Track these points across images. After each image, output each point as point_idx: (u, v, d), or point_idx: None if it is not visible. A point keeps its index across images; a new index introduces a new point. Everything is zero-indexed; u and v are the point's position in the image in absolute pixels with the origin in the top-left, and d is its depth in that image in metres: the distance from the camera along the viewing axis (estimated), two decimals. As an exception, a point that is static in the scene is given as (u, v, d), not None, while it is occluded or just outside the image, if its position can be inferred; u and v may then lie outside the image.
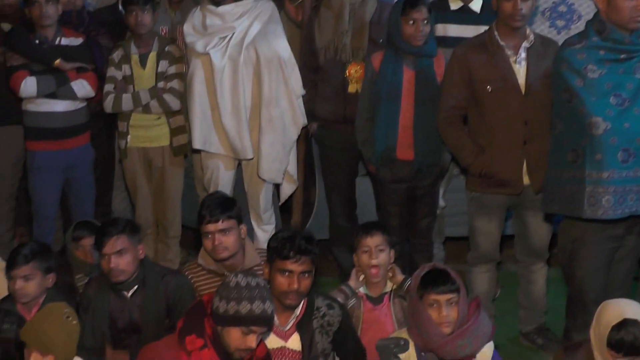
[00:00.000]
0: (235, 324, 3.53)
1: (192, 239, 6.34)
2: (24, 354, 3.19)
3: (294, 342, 4.16)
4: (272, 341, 4.09)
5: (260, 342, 3.74)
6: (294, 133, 5.73)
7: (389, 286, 4.62)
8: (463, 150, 5.12)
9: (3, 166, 6.22)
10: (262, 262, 4.36)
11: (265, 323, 3.58)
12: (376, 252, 4.54)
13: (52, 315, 3.86)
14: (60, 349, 3.81)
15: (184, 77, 5.78)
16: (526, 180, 5.02)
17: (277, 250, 4.04)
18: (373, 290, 4.61)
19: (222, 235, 4.53)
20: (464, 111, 5.15)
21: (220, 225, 4.53)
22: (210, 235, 4.55)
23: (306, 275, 4.05)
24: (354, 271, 4.63)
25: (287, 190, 5.94)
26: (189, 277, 4.71)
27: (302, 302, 4.15)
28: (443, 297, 3.87)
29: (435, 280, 3.90)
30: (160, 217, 6.10)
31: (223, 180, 5.77)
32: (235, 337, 3.54)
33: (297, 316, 4.16)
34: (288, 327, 4.16)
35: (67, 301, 4.34)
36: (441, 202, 5.91)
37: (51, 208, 6.04)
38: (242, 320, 3.52)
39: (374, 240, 4.56)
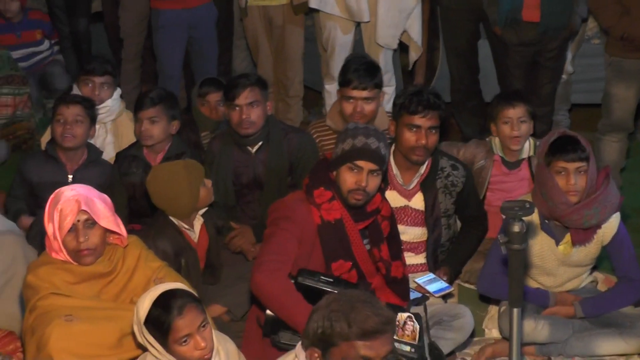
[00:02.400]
0: (349, 159, 3.48)
1: (313, 99, 6.36)
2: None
3: (417, 201, 4.17)
4: (395, 200, 4.10)
5: (386, 202, 3.74)
6: (411, -1, 5.59)
7: (526, 152, 4.53)
8: (606, 10, 4.88)
9: (128, 25, 6.33)
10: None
11: (378, 160, 3.49)
12: (518, 124, 4.42)
13: (178, 173, 3.97)
14: (180, 204, 3.95)
15: None
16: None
17: (404, 105, 4.00)
18: (510, 156, 4.54)
19: (365, 103, 4.48)
20: None
21: (365, 93, 4.47)
22: (352, 100, 4.50)
23: (433, 130, 4.01)
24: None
25: (412, 56, 5.85)
26: (315, 135, 4.74)
27: (426, 162, 4.13)
28: (572, 165, 3.74)
29: (565, 147, 3.76)
30: (281, 76, 6.10)
31: (340, 41, 5.70)
32: (346, 175, 3.49)
33: (421, 175, 4.15)
34: (412, 186, 4.16)
35: (192, 155, 4.47)
36: (569, 68, 5.71)
37: (175, 67, 6.13)
38: (356, 153, 3.47)
39: (516, 112, 4.43)
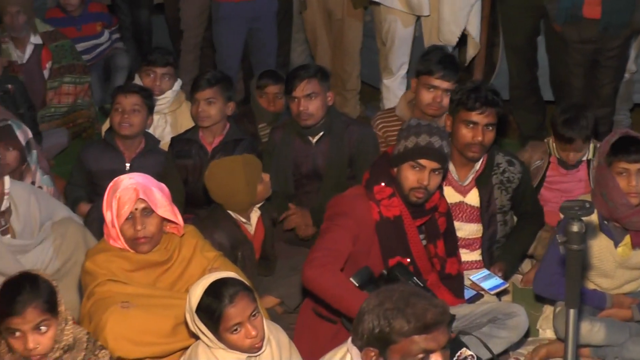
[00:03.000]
0: (411, 157, 3.47)
1: (369, 94, 6.35)
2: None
3: (473, 198, 4.14)
4: (451, 196, 4.08)
5: (443, 199, 3.74)
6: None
7: (586, 154, 4.45)
8: None
9: (188, 16, 6.39)
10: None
11: (440, 159, 3.49)
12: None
13: (235, 170, 4.00)
14: (238, 200, 3.98)
15: None
16: None
17: (462, 101, 3.97)
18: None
19: (445, 95, 4.45)
20: None
21: (448, 85, 4.44)
22: (433, 90, 4.47)
23: (490, 128, 3.97)
24: None
25: (470, 52, 5.81)
26: (380, 124, 4.73)
27: (482, 157, 4.10)
28: (634, 166, 3.67)
29: (627, 147, 3.68)
30: (339, 69, 6.10)
31: (400, 35, 5.68)
32: (408, 173, 3.49)
33: (477, 171, 4.12)
34: (467, 182, 4.13)
35: (250, 142, 4.51)
36: (632, 67, 5.60)
37: (234, 58, 6.17)
38: (419, 151, 3.46)
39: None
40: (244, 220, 4.05)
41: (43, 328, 2.84)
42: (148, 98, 4.74)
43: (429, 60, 4.50)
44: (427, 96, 4.48)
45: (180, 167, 4.66)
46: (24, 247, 3.80)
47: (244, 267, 3.86)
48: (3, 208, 3.74)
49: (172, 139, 4.83)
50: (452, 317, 2.67)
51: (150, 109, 4.76)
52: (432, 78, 4.46)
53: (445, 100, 4.40)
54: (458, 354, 3.23)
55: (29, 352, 2.83)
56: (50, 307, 2.87)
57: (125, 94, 4.67)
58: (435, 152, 3.47)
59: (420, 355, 2.43)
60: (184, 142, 4.71)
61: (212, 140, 4.68)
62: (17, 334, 2.82)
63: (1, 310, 2.83)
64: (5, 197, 3.70)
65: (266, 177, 4.10)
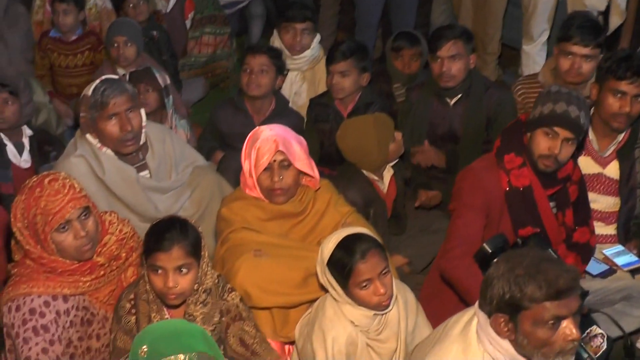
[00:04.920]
0: (546, 123, 3.39)
1: (509, 58, 6.23)
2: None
3: (612, 170, 4.01)
4: (589, 166, 3.97)
5: (577, 168, 3.65)
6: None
7: None
8: None
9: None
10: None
11: (575, 129, 3.38)
12: None
13: (367, 129, 4.01)
14: (370, 160, 3.99)
15: None
16: None
17: (611, 69, 3.83)
18: None
19: (583, 61, 4.30)
20: None
21: (587, 51, 4.28)
22: (571, 57, 4.33)
23: (639, 98, 3.83)
24: None
25: (615, 21, 5.61)
26: (520, 89, 4.63)
27: (626, 129, 3.96)
28: None
29: None
30: (480, 32, 5.99)
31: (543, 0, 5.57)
32: (540, 140, 3.41)
33: (619, 143, 3.98)
34: (608, 154, 4.01)
35: (382, 105, 4.49)
36: None
37: (374, 15, 6.12)
38: (554, 118, 3.37)
39: None
40: (376, 178, 4.07)
41: (184, 270, 2.92)
42: (276, 58, 4.70)
43: (568, 25, 4.36)
44: (565, 63, 4.35)
45: (317, 130, 4.71)
46: (161, 188, 3.86)
47: (375, 224, 3.87)
48: (141, 141, 3.75)
49: (311, 101, 4.85)
50: (586, 292, 2.63)
51: (279, 69, 4.72)
52: (570, 44, 4.31)
53: (585, 67, 4.28)
54: (588, 330, 3.20)
55: (167, 290, 2.91)
56: (195, 251, 2.94)
57: (254, 54, 4.66)
58: (570, 121, 3.38)
59: (552, 322, 2.41)
60: (321, 106, 4.74)
61: (347, 107, 4.69)
62: (160, 271, 2.91)
63: (149, 245, 2.92)
64: (143, 130, 3.75)
65: (398, 135, 4.10)
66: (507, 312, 2.46)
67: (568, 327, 2.41)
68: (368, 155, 4.01)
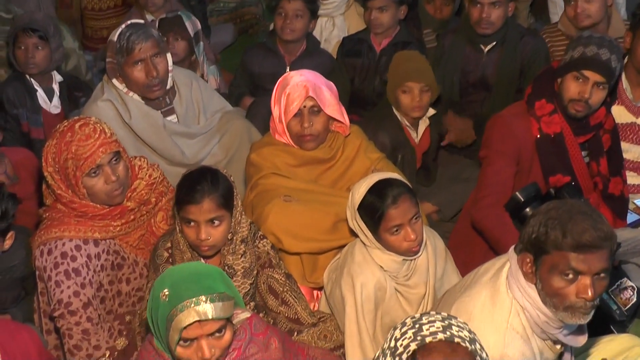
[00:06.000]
0: (576, 67, 3.34)
1: (542, 4, 6.10)
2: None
3: (646, 120, 3.98)
4: (622, 115, 3.94)
5: (610, 116, 3.60)
6: None
7: None
8: None
9: None
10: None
11: (606, 72, 3.32)
12: None
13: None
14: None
15: None
16: None
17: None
18: None
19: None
20: None
21: None
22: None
23: (675, 46, 3.78)
24: None
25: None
26: (546, 39, 4.59)
27: (661, 79, 3.92)
28: None
29: None
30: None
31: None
32: (571, 84, 3.36)
33: (654, 92, 3.94)
34: (642, 103, 3.97)
35: (418, 47, 4.49)
36: None
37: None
38: (584, 62, 3.32)
39: None
40: (408, 124, 4.04)
41: (216, 222, 2.90)
42: (311, 2, 4.72)
43: None
44: (570, 11, 4.36)
45: (348, 65, 4.69)
46: (188, 133, 3.86)
47: (402, 170, 3.86)
48: (168, 86, 3.76)
49: (344, 38, 4.85)
50: (618, 245, 2.61)
51: (312, 14, 4.74)
52: None
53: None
54: (618, 282, 3.18)
55: (200, 242, 2.91)
56: (226, 202, 2.92)
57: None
58: (601, 64, 3.31)
59: (570, 275, 2.39)
60: (355, 41, 4.74)
61: (382, 41, 4.68)
62: (192, 223, 2.90)
63: (180, 197, 2.90)
64: (170, 75, 3.75)
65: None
66: (532, 252, 2.45)
67: (583, 284, 2.37)
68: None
